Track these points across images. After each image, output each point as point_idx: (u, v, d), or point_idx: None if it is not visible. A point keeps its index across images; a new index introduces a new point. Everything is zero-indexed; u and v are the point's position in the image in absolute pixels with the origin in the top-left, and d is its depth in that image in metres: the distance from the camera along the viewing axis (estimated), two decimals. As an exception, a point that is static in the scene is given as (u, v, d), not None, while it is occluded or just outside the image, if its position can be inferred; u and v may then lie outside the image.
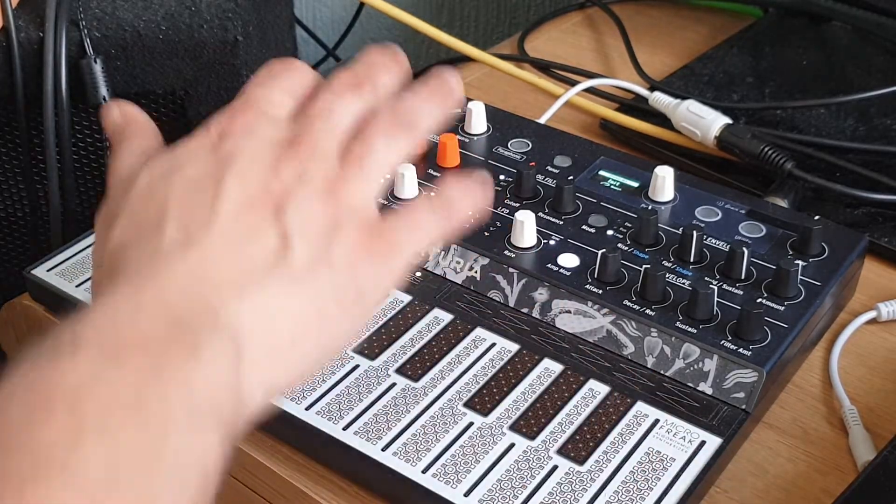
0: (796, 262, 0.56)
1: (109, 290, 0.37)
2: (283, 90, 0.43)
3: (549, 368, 0.53)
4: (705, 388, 0.52)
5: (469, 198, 0.44)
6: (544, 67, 0.85)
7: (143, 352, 0.34)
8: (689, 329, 0.53)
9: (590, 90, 0.80)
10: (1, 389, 0.33)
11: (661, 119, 0.74)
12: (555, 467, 0.49)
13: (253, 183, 0.39)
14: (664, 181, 0.62)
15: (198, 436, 0.34)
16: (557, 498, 0.47)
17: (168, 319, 0.35)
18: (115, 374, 0.33)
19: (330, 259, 0.39)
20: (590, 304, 0.55)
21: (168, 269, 0.37)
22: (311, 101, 0.42)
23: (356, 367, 0.54)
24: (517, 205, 0.62)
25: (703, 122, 0.70)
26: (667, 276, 0.56)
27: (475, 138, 0.68)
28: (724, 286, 0.56)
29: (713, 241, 0.59)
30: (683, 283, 0.56)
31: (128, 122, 0.44)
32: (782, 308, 0.55)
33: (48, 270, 0.60)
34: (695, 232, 0.57)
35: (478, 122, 0.68)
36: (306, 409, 0.51)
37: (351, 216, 0.40)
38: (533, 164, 0.65)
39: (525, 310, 0.57)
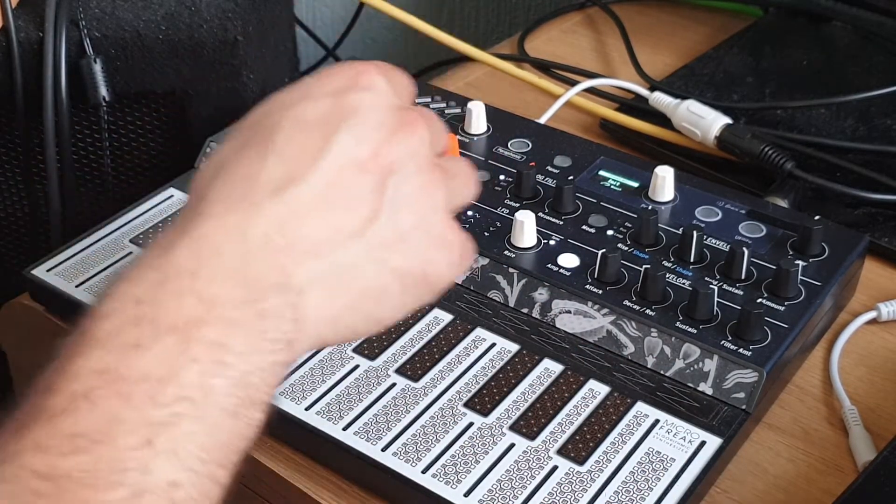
0: (796, 262, 0.56)
1: (204, 209, 0.38)
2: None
3: (549, 368, 0.53)
4: (705, 388, 0.52)
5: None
6: (544, 67, 0.85)
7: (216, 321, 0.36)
8: (689, 329, 0.53)
9: (590, 90, 0.80)
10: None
11: (661, 119, 0.74)
12: (555, 467, 0.49)
13: (364, 144, 0.40)
14: (664, 181, 0.62)
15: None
16: (557, 498, 0.47)
17: (239, 279, 0.37)
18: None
19: (407, 242, 0.41)
20: (590, 304, 0.55)
21: (256, 210, 0.38)
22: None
23: (356, 367, 0.54)
24: (517, 205, 0.62)
25: (704, 122, 0.70)
26: (667, 276, 0.56)
27: (475, 138, 0.68)
28: (724, 286, 0.56)
29: (713, 241, 0.59)
30: (683, 283, 0.56)
31: None
32: (782, 308, 0.55)
33: (48, 270, 0.60)
34: (695, 232, 0.57)
35: (478, 122, 0.68)
36: (306, 409, 0.51)
37: (442, 207, 0.42)
38: (533, 164, 0.65)
39: (525, 310, 0.57)
